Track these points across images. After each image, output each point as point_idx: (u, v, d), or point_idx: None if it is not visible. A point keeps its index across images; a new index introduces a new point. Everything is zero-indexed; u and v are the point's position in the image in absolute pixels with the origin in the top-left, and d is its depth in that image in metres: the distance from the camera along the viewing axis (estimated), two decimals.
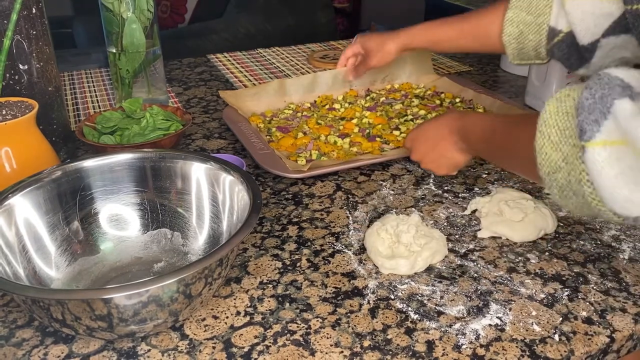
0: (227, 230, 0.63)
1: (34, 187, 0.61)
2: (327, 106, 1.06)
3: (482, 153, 0.72)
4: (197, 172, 0.66)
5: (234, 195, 0.62)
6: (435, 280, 0.63)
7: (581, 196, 0.48)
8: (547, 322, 0.57)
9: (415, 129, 0.80)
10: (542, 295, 0.60)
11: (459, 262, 0.66)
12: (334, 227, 0.72)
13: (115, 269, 0.64)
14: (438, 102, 1.06)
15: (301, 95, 1.09)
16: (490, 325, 0.56)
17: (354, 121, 0.98)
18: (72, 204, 0.64)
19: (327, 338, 0.55)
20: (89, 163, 0.65)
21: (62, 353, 0.53)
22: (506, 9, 0.76)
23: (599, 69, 0.70)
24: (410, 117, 1.00)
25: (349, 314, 0.58)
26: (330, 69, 1.11)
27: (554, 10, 0.71)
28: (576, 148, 0.47)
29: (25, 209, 0.60)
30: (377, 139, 0.92)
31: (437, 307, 0.59)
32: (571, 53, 0.71)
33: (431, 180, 0.83)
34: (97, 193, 0.66)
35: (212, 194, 0.65)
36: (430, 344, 0.54)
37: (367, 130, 0.95)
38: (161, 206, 0.67)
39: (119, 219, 0.66)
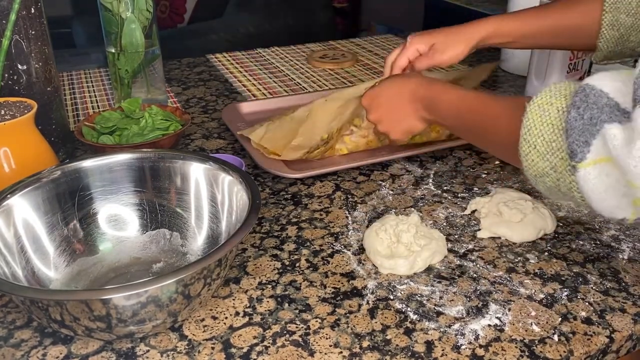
0: (226, 231, 0.63)
1: (32, 187, 0.61)
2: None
3: (449, 127, 0.73)
4: (196, 172, 0.66)
5: (233, 195, 0.62)
6: (434, 281, 0.62)
7: (570, 197, 0.50)
8: (547, 323, 0.57)
9: (376, 88, 0.78)
10: (542, 296, 0.60)
11: (458, 263, 0.65)
12: (333, 227, 0.72)
13: (114, 269, 0.63)
14: None
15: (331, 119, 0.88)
16: (489, 325, 0.56)
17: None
18: (70, 204, 0.64)
19: (326, 338, 0.55)
20: (87, 163, 0.65)
21: (61, 354, 0.53)
22: (601, 10, 0.73)
23: None
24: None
25: (348, 315, 0.58)
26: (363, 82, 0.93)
27: None
28: (565, 161, 0.48)
29: (24, 209, 0.60)
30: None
31: (436, 308, 0.59)
32: None
33: (430, 181, 0.83)
34: (96, 193, 0.65)
35: (211, 194, 0.65)
36: (429, 345, 0.54)
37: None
38: (160, 206, 0.67)
39: (118, 219, 0.66)
